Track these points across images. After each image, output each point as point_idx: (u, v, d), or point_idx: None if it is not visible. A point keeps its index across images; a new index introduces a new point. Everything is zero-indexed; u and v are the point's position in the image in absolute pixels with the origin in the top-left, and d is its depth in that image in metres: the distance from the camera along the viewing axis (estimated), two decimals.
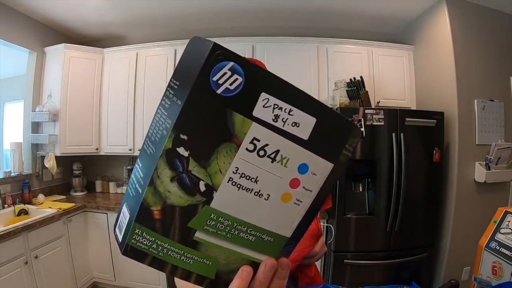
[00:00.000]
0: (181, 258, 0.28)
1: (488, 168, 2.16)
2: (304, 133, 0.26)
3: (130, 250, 0.27)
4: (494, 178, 2.18)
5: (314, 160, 0.28)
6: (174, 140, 0.24)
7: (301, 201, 0.29)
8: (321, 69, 2.54)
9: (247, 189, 0.27)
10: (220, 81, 0.23)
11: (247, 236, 0.29)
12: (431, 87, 2.45)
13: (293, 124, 0.26)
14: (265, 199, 0.28)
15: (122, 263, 2.44)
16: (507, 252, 0.68)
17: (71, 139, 2.64)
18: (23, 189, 2.44)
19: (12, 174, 2.44)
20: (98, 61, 2.78)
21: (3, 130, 4.02)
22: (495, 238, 0.73)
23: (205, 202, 0.26)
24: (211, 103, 0.23)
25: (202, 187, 0.26)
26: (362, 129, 2.04)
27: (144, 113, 2.68)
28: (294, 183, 0.28)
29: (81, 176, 2.92)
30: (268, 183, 0.27)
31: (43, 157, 2.63)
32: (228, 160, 0.25)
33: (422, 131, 2.11)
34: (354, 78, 2.34)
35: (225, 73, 0.23)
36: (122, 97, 2.73)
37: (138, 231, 0.26)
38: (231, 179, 0.26)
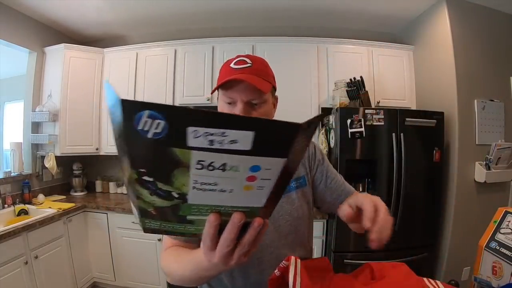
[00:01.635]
0: (185, 229, 0.39)
1: (488, 168, 2.16)
2: (245, 145, 0.28)
3: (146, 230, 0.39)
4: (494, 178, 2.18)
5: (263, 160, 0.30)
6: (137, 173, 0.30)
7: (262, 187, 0.33)
8: (321, 69, 2.53)
9: (211, 190, 0.32)
10: (146, 128, 0.25)
11: (226, 211, 0.36)
12: (431, 87, 2.45)
13: (231, 142, 0.27)
14: (229, 192, 0.33)
15: (122, 263, 2.44)
16: (507, 252, 0.68)
17: (71, 139, 2.64)
18: (23, 189, 2.44)
19: (12, 174, 2.44)
20: (98, 61, 2.78)
21: (3, 130, 4.02)
22: (495, 238, 0.73)
23: (183, 201, 0.34)
24: (148, 145, 0.27)
25: (175, 195, 0.33)
26: (362, 129, 2.04)
27: None
28: (251, 178, 0.31)
29: (81, 176, 2.92)
30: (227, 184, 0.32)
31: (43, 157, 2.63)
32: (185, 178, 0.30)
33: (422, 131, 2.11)
34: (354, 78, 2.33)
35: (146, 121, 0.25)
36: (122, 97, 2.72)
37: (147, 221, 0.38)
38: (194, 187, 0.32)
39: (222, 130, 0.26)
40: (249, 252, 0.41)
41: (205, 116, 0.26)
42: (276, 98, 0.81)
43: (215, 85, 0.74)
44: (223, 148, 0.27)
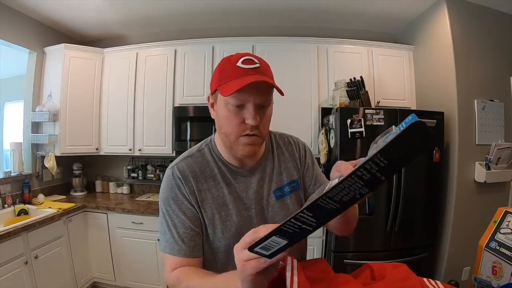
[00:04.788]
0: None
1: (488, 168, 2.16)
2: None
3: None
4: (494, 178, 2.18)
5: None
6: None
7: None
8: (321, 69, 2.53)
9: None
10: None
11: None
12: (431, 87, 2.45)
13: None
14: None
15: (122, 263, 2.44)
16: (507, 252, 0.68)
17: (71, 139, 2.64)
18: (23, 189, 2.44)
19: (12, 174, 2.44)
20: (98, 61, 2.78)
21: (3, 130, 4.02)
22: (495, 238, 0.73)
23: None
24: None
25: None
26: (362, 129, 2.04)
27: (144, 113, 2.67)
28: None
29: (81, 176, 2.92)
30: None
31: (43, 157, 2.63)
32: None
33: None
34: (354, 78, 2.33)
35: None
36: (122, 97, 2.73)
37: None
38: None
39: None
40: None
41: None
42: None
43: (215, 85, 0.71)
44: None
